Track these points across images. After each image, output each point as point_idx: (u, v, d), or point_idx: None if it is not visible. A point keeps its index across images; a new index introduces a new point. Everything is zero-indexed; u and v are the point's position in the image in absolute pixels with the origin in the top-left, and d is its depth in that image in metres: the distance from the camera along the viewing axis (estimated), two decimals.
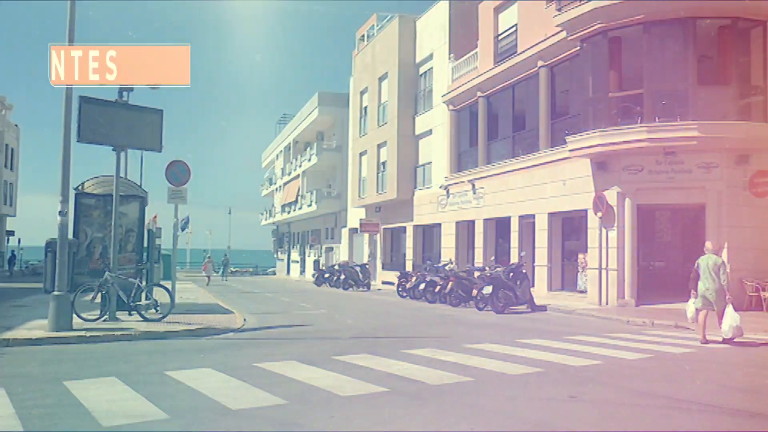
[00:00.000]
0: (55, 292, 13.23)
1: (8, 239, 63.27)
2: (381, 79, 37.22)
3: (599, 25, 19.75)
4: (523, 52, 24.35)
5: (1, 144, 59.02)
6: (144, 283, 15.91)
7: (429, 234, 33.81)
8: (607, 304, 20.05)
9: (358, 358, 10.34)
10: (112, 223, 15.15)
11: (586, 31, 20.26)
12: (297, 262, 58.14)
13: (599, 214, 20.19)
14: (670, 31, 19.28)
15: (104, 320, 14.53)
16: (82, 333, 12.82)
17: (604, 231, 20.28)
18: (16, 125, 65.80)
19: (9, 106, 64.09)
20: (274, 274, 64.88)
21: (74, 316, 13.57)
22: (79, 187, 16.81)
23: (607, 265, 20.19)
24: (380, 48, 37.56)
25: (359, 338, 13.61)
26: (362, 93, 40.57)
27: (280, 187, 61.22)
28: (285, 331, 14.87)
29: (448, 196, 30.28)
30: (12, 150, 64.27)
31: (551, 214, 23.28)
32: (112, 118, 14.82)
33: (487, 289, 19.45)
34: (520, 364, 9.85)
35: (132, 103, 15.53)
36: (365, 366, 9.55)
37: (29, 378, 8.98)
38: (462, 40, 29.97)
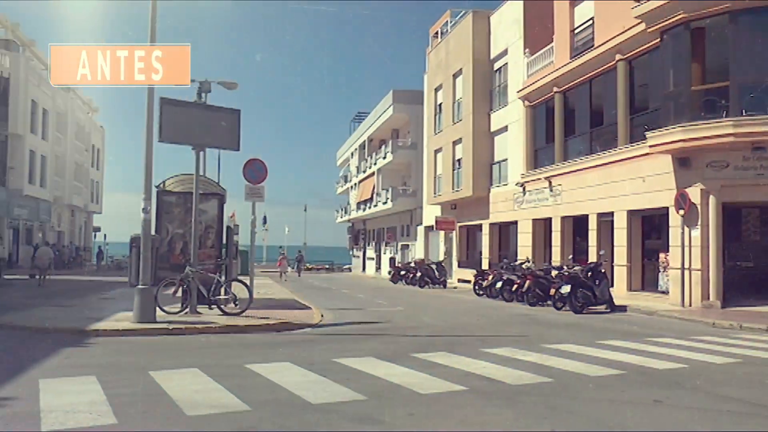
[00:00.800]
0: (140, 286, 13.75)
1: (95, 235, 65.89)
2: (455, 76, 37.03)
3: (681, 16, 19.11)
4: (600, 45, 23.80)
5: (88, 145, 61.49)
6: (223, 278, 16.31)
7: (505, 232, 33.47)
8: (690, 305, 19.40)
9: (436, 355, 10.33)
10: (193, 220, 15.60)
11: (666, 23, 19.65)
12: (372, 259, 58.46)
13: (681, 212, 19.55)
14: (758, 20, 18.53)
15: (185, 313, 15.00)
16: (165, 325, 13.29)
17: (686, 230, 19.63)
18: (101, 126, 68.45)
19: (95, 108, 66.74)
20: (350, 270, 65.42)
21: (157, 309, 14.06)
22: (161, 185, 17.37)
23: (690, 265, 19.55)
24: (454, 44, 37.37)
25: (437, 336, 13.61)
26: (437, 90, 40.46)
27: (355, 184, 61.66)
28: (362, 328, 14.99)
29: (524, 194, 29.90)
30: (98, 150, 66.87)
31: (630, 212, 22.69)
32: (191, 119, 15.31)
33: (565, 289, 19.14)
34: (600, 365, 9.65)
35: (210, 104, 15.98)
36: (443, 364, 9.53)
37: (117, 367, 9.38)
38: (537, 34, 29.51)
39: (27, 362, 9.50)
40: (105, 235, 64.85)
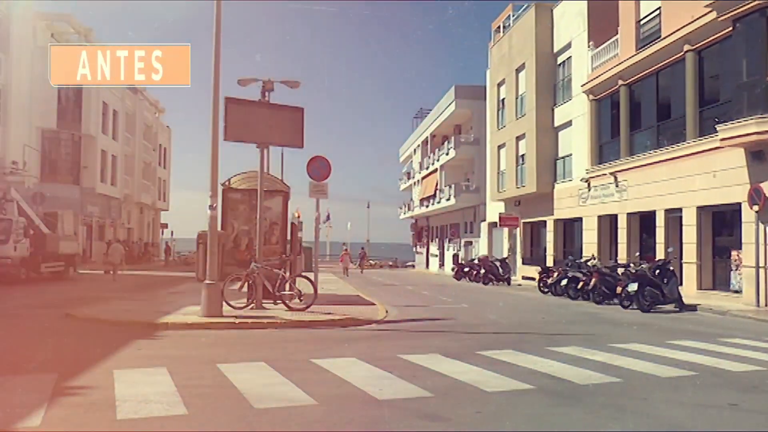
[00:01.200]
0: (207, 281, 14.05)
1: (162, 231, 67.69)
2: (518, 71, 36.63)
3: (756, 3, 18.44)
4: (668, 36, 23.17)
5: (155, 144, 63.20)
6: (288, 273, 16.51)
7: (570, 228, 32.95)
8: (766, 305, 18.73)
9: (502, 353, 10.25)
10: (258, 217, 15.86)
11: (739, 10, 19.00)
12: (436, 255, 58.37)
13: (755, 207, 18.88)
14: None
15: (251, 308, 15.25)
16: (232, 320, 13.56)
17: (761, 226, 18.95)
18: (167, 126, 70.27)
19: (161, 109, 68.51)
20: (413, 267, 65.43)
21: (224, 303, 14.34)
22: (226, 183, 17.69)
23: (765, 264, 18.87)
24: (517, 39, 36.96)
25: (502, 333, 13.52)
26: (499, 85, 40.09)
27: (418, 181, 61.64)
28: (427, 324, 15.00)
29: (589, 190, 29.40)
30: (165, 150, 68.68)
31: (700, 208, 22.04)
32: (255, 117, 15.55)
33: (633, 287, 18.75)
34: (671, 366, 9.40)
35: (274, 102, 16.21)
36: (510, 362, 9.46)
37: (187, 359, 9.63)
38: (601, 26, 28.92)
39: (101, 353, 9.83)
40: (172, 232, 66.55)
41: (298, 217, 28.59)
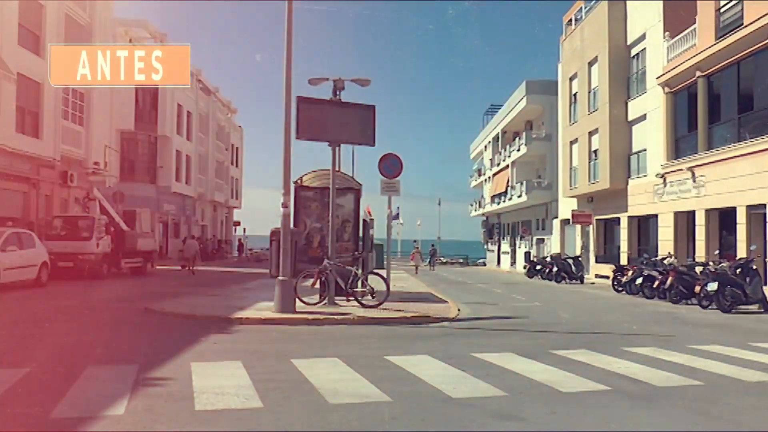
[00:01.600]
0: (280, 278, 14.26)
1: (235, 229, 69.24)
2: (590, 64, 35.88)
3: None
4: (751, 24, 22.24)
5: (228, 144, 64.62)
6: (360, 270, 16.61)
7: (644, 225, 32.10)
8: None
9: (576, 353, 10.07)
10: (330, 214, 15.99)
11: None
12: (507, 253, 57.77)
13: None
14: None
15: (324, 305, 15.40)
16: (305, 315, 13.72)
17: None
18: (239, 126, 71.73)
19: (234, 109, 69.98)
20: (484, 265, 64.96)
21: (297, 299, 14.53)
22: (298, 181, 17.90)
23: None
24: (589, 31, 36.21)
25: (576, 333, 13.25)
26: (571, 79, 39.38)
27: (489, 178, 61.17)
28: (500, 323, 14.88)
29: (664, 185, 28.56)
30: (237, 149, 70.13)
31: None
32: (327, 116, 15.70)
33: (712, 286, 18.14)
34: (756, 369, 9.04)
35: (345, 101, 16.32)
36: (584, 362, 9.28)
37: (261, 354, 9.78)
38: (678, 16, 28.00)
39: (179, 346, 10.11)
40: (244, 229, 68.01)
41: (369, 214, 28.72)
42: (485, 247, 67.69)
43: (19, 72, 25.91)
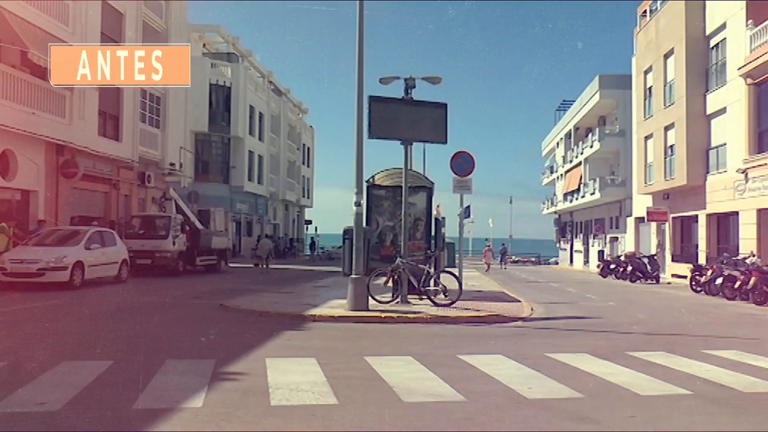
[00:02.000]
0: (353, 276, 14.31)
1: (306, 227, 70.17)
2: (666, 56, 34.81)
3: None
4: None
5: (299, 144, 65.50)
6: (433, 269, 16.53)
7: (724, 223, 30.95)
8: None
9: (654, 355, 9.74)
10: (402, 213, 15.98)
11: None
12: (580, 252, 56.73)
13: None
14: None
15: (396, 303, 15.38)
16: (378, 314, 13.73)
17: None
18: (311, 126, 72.62)
19: (305, 110, 70.89)
20: (557, 264, 63.96)
21: (369, 297, 14.55)
22: (371, 180, 17.94)
23: None
24: (664, 22, 35.14)
25: (653, 334, 12.85)
26: (646, 72, 38.30)
27: (561, 175, 60.18)
28: (574, 323, 14.59)
29: (746, 181, 27.47)
30: (308, 149, 71.00)
31: None
32: (399, 114, 15.70)
33: None
34: None
35: (417, 99, 16.26)
36: (663, 365, 8.97)
37: (335, 351, 9.84)
38: (762, 3, 26.89)
39: (254, 342, 10.28)
40: (316, 228, 68.91)
41: (439, 212, 28.62)
42: (557, 245, 66.63)
43: None
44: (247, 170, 49.16)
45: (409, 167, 16.30)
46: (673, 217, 35.57)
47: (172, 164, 34.47)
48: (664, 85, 35.14)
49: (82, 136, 25.80)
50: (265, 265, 31.09)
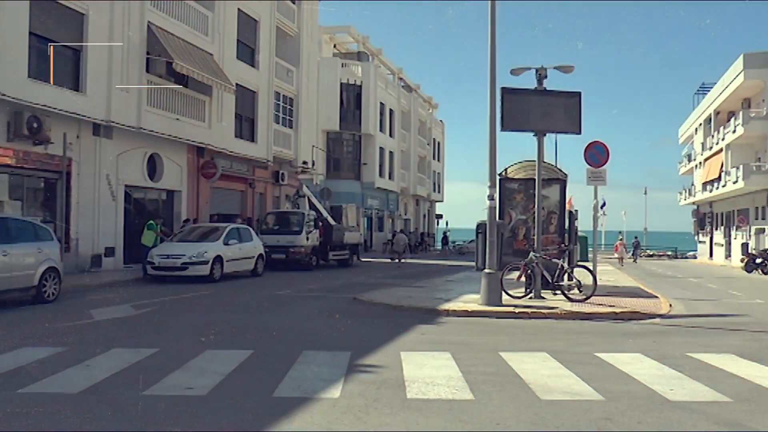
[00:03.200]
0: (486, 270, 14.22)
1: (437, 222, 70.34)
2: None
3: None
4: None
5: (429, 139, 65.77)
6: (566, 263, 16.13)
7: None
8: None
9: None
10: (536, 206, 15.71)
11: None
12: (721, 245, 53.64)
13: None
14: None
15: (530, 298, 15.16)
16: (511, 309, 13.59)
17: None
18: (441, 121, 72.71)
19: (435, 105, 71.08)
20: (695, 258, 60.83)
21: (503, 292, 14.39)
22: (503, 173, 17.73)
23: None
24: None
25: None
26: None
27: (700, 163, 57.13)
28: (717, 321, 13.84)
29: None
30: (438, 143, 71.12)
31: None
32: (531, 105, 15.47)
33: None
34: None
35: (549, 89, 15.91)
36: None
37: (469, 346, 9.83)
38: None
39: (388, 335, 10.47)
40: (447, 222, 68.88)
41: (571, 205, 27.87)
42: (696, 238, 63.33)
43: (237, 83, 28.10)
44: (378, 166, 49.90)
45: (542, 159, 15.99)
46: None
47: (304, 162, 35.56)
48: None
49: (220, 138, 27.24)
50: (399, 260, 31.56)
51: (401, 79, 59.91)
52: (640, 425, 5.86)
